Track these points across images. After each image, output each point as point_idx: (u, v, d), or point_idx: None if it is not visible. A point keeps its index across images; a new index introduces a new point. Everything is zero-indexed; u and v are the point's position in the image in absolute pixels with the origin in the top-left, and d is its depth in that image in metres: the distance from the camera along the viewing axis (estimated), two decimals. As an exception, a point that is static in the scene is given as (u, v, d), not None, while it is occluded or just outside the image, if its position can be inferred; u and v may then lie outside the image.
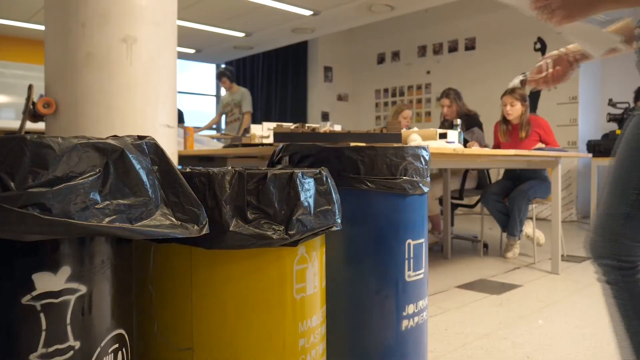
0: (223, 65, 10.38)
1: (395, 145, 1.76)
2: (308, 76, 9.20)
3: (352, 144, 2.08)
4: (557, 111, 6.36)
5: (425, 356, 1.57)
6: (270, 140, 3.05)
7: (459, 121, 3.91)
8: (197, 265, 1.04)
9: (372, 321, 1.43)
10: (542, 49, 6.51)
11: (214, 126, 7.21)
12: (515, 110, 4.00)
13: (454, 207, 4.35)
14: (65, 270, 0.74)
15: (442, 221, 4.15)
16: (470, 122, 4.33)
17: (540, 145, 3.96)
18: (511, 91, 3.97)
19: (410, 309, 1.47)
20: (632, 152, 1.18)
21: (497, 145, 4.25)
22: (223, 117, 6.71)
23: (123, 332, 0.85)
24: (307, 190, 1.10)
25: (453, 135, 3.38)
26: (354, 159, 1.39)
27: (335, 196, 1.20)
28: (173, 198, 0.86)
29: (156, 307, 1.07)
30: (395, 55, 8.61)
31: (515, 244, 3.92)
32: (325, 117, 8.95)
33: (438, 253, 4.07)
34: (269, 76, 9.64)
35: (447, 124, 4.49)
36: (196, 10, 6.54)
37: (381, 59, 8.85)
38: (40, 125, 2.39)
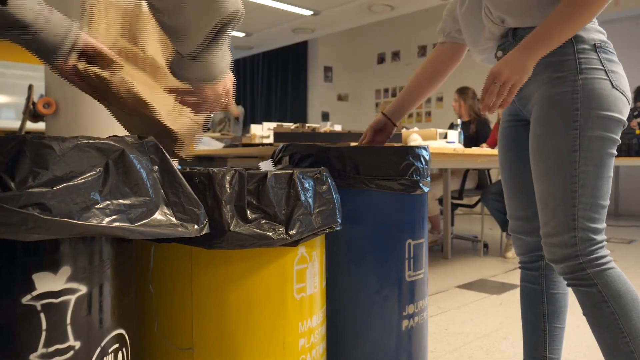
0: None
1: (395, 145, 1.76)
2: (308, 76, 9.21)
3: (352, 144, 2.08)
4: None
5: (425, 356, 1.57)
6: (270, 140, 3.06)
7: (459, 121, 3.92)
8: (197, 265, 1.04)
9: (372, 321, 1.43)
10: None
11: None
12: None
13: (454, 207, 4.35)
14: (66, 270, 0.74)
15: (442, 221, 4.15)
16: (479, 125, 4.36)
17: None
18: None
19: (411, 308, 1.47)
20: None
21: (496, 145, 4.25)
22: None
23: (123, 332, 0.85)
24: (307, 190, 1.10)
25: (453, 135, 3.38)
26: (354, 159, 1.39)
27: (335, 196, 1.19)
28: (173, 198, 0.85)
29: (156, 307, 1.07)
30: (396, 55, 8.61)
31: (516, 244, 3.91)
32: (325, 117, 8.95)
33: (438, 253, 4.07)
34: (269, 76, 9.65)
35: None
36: (196, 10, 6.53)
37: (381, 59, 8.85)
38: (40, 125, 2.38)
